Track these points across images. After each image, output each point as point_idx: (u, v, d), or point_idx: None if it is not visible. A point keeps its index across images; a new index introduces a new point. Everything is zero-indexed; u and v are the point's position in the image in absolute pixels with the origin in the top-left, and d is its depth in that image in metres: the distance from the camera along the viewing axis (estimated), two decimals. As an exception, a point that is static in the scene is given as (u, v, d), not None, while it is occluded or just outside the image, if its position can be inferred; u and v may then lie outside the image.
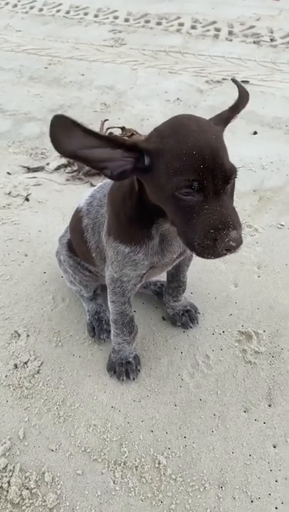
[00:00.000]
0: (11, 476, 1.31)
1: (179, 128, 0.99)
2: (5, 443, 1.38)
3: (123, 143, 0.99)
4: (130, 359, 1.54)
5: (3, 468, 1.32)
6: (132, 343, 1.53)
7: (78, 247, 1.56)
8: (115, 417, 1.45)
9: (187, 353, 1.63)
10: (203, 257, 1.01)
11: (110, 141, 0.97)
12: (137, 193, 1.14)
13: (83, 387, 1.53)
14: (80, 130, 0.91)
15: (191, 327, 1.69)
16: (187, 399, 1.49)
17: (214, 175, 0.95)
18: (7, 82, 3.62)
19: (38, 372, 1.58)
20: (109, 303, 1.45)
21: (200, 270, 1.92)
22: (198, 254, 1.01)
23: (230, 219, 0.96)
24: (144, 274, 1.34)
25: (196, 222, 0.98)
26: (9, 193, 2.40)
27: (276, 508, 1.24)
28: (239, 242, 0.97)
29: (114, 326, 1.49)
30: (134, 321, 1.51)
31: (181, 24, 4.56)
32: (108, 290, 1.42)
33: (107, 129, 2.73)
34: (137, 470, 1.32)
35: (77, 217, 1.50)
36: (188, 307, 1.71)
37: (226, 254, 0.99)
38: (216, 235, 0.95)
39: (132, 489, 1.28)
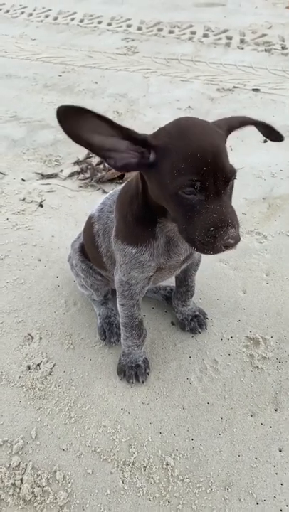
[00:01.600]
0: (24, 473, 1.36)
1: (185, 130, 1.04)
2: (18, 442, 1.43)
3: (133, 136, 1.03)
4: (140, 362, 1.59)
5: (16, 466, 1.37)
6: (141, 346, 1.58)
7: (90, 252, 1.61)
8: (125, 419, 1.49)
9: (196, 358, 1.66)
10: (202, 252, 1.07)
11: (122, 129, 1.01)
12: (142, 193, 1.20)
13: (94, 389, 1.57)
14: (91, 115, 0.95)
15: (199, 332, 1.72)
16: (195, 402, 1.53)
17: (216, 176, 1.01)
18: (22, 89, 3.70)
19: (50, 374, 1.62)
20: (118, 306, 1.50)
21: (209, 276, 1.96)
22: (198, 250, 1.07)
23: (229, 218, 1.02)
24: (151, 276, 1.38)
25: (197, 219, 1.03)
26: (24, 199, 2.46)
27: (281, 510, 1.27)
28: (237, 239, 1.03)
29: (124, 329, 1.53)
30: (143, 324, 1.55)
31: (193, 32, 4.62)
32: (117, 293, 1.47)
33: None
34: (145, 470, 1.36)
35: (89, 224, 1.55)
36: (197, 312, 1.75)
37: (224, 251, 1.05)
38: (216, 233, 1.01)
39: (140, 489, 1.32)
